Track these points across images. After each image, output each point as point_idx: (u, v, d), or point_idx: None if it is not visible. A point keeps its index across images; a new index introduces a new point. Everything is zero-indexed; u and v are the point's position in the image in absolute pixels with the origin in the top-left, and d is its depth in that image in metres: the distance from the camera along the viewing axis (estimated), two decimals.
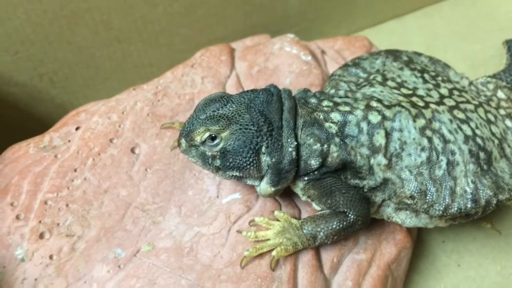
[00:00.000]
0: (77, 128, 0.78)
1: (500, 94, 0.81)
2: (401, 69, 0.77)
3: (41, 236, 0.67)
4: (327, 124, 0.64)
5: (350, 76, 0.78)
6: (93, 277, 0.64)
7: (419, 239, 0.81)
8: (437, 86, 0.74)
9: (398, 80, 0.74)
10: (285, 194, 0.70)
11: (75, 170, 0.73)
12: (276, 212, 0.66)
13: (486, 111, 0.74)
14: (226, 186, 0.73)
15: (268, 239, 0.63)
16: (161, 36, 1.03)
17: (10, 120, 0.98)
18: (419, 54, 0.85)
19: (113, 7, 0.93)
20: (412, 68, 0.78)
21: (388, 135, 0.65)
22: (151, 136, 0.78)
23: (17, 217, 0.69)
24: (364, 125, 0.65)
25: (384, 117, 0.65)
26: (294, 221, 0.65)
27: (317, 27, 1.18)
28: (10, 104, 0.96)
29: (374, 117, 0.65)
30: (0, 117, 0.96)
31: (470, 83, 0.81)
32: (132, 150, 0.76)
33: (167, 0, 0.98)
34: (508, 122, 0.76)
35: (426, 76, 0.76)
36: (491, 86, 0.82)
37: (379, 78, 0.74)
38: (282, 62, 0.91)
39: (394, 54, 0.82)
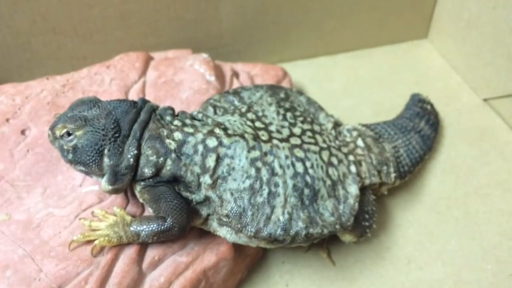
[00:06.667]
0: None
1: (360, 142, 0.90)
2: (270, 104, 0.87)
3: None
4: (167, 141, 0.74)
5: (225, 103, 0.87)
6: None
7: (264, 256, 0.91)
8: (293, 125, 0.84)
9: (259, 114, 0.84)
10: (134, 194, 0.80)
11: None
12: (114, 208, 0.76)
13: (331, 154, 0.83)
14: (92, 178, 0.83)
15: (99, 230, 0.73)
16: (95, 34, 1.13)
17: None
18: (300, 94, 0.94)
19: (49, 1, 1.04)
20: (280, 105, 0.87)
21: (219, 159, 0.74)
22: (43, 122, 0.88)
23: None
24: (200, 147, 0.75)
25: (221, 144, 0.75)
26: (128, 218, 0.75)
27: (250, 51, 1.27)
28: None
29: (212, 142, 0.75)
30: None
31: (334, 127, 0.90)
32: (23, 132, 0.87)
33: (103, 4, 1.09)
34: (352, 167, 0.84)
35: (288, 114, 0.85)
36: (354, 133, 0.91)
37: (243, 109, 0.84)
38: (187, 78, 1.01)
39: (273, 89, 0.91)
